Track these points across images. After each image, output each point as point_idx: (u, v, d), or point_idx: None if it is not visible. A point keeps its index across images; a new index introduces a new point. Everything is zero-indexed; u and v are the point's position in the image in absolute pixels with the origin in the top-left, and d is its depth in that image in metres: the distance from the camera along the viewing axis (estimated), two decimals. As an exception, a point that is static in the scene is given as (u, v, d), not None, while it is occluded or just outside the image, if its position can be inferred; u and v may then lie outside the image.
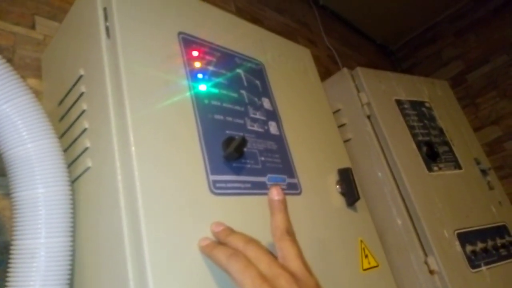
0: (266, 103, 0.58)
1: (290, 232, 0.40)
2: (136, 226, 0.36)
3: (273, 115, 0.58)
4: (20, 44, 0.60)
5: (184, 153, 0.43)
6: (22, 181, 0.40)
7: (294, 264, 0.36)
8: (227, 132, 0.49)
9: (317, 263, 0.45)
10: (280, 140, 0.56)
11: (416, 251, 0.81)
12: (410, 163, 0.89)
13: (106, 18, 0.46)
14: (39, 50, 0.61)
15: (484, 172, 1.04)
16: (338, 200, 0.60)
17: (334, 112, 0.90)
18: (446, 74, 2.00)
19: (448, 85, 1.22)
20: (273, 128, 0.56)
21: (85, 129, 0.46)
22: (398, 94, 1.01)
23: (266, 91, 0.59)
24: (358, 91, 0.95)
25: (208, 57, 0.52)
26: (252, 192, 0.47)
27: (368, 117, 0.92)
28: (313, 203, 0.55)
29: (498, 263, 0.86)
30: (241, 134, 0.50)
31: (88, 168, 0.44)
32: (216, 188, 0.44)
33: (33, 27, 0.63)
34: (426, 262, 0.79)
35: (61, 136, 0.50)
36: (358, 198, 0.59)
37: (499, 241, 0.90)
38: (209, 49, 0.53)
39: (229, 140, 0.47)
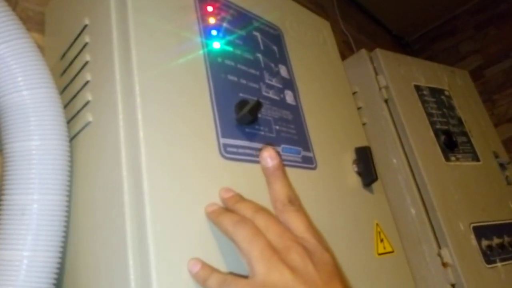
0: (283, 71, 0.53)
1: (293, 201, 0.35)
2: (138, 184, 0.33)
3: (290, 84, 0.53)
4: (23, -4, 0.57)
5: (194, 111, 0.39)
6: (15, 131, 0.37)
7: (305, 238, 0.33)
8: (241, 95, 0.45)
9: (330, 243, 0.41)
10: (296, 110, 0.52)
11: (429, 243, 0.77)
12: (427, 151, 0.84)
13: (115, -37, 0.42)
14: (42, 3, 0.57)
15: (502, 166, 0.99)
16: (355, 180, 0.56)
17: (350, 94, 0.86)
18: (463, 68, 1.92)
19: (469, 76, 1.17)
20: (289, 97, 0.52)
21: (87, 82, 0.42)
22: (418, 79, 0.96)
23: (283, 58, 0.55)
24: (376, 73, 0.90)
25: (223, 14, 0.48)
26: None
27: (386, 101, 0.88)
28: (328, 180, 0.51)
29: (514, 261, 0.82)
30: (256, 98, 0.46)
31: (88, 123, 0.40)
32: (227, 152, 0.40)
33: (37, -21, 0.59)
34: (439, 255, 0.75)
35: (62, 91, 0.47)
36: (376, 179, 0.55)
37: (515, 238, 0.86)
38: (225, 6, 0.49)
39: (243, 102, 0.43)
